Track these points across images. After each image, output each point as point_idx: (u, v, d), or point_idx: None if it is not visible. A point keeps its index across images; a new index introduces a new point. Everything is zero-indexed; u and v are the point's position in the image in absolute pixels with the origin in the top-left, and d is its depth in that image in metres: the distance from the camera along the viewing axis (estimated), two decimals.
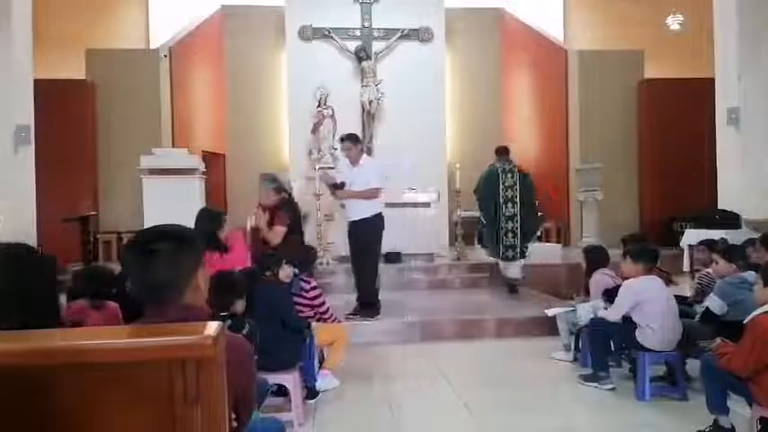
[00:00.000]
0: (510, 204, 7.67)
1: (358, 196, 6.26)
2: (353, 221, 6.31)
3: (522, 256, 7.73)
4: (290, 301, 4.38)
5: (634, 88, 11.59)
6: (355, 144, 6.40)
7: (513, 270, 7.77)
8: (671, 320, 4.37)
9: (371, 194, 6.20)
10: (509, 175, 7.74)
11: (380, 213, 6.27)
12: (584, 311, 4.93)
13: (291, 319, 4.18)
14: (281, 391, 4.14)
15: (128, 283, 1.77)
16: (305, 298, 4.68)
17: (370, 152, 11.25)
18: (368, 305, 6.32)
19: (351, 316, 6.20)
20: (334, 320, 4.93)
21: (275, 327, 3.96)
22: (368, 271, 6.35)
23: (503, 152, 8.03)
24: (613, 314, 4.48)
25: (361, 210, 6.23)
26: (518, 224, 7.66)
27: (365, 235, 6.25)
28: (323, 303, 4.79)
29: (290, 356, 4.04)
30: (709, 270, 4.90)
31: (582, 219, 10.77)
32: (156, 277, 1.69)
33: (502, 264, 7.82)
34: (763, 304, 3.31)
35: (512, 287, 7.83)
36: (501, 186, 7.69)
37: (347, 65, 11.42)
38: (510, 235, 7.68)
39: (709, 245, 5.22)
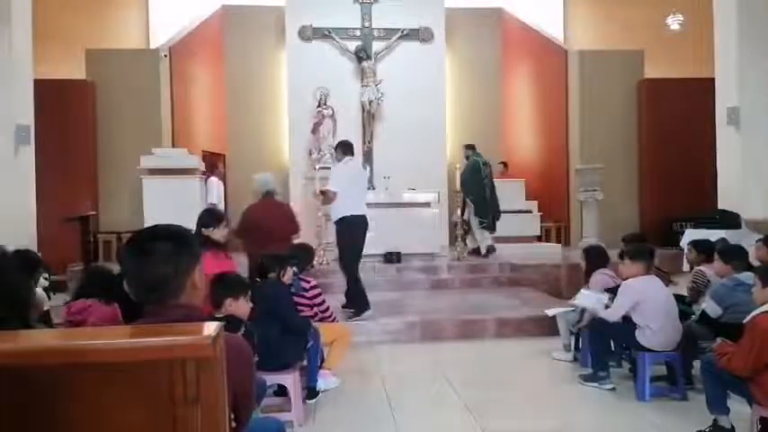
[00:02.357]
0: (489, 190, 9.67)
1: (323, 202, 7.11)
2: (334, 224, 6.65)
3: (494, 228, 9.72)
4: (290, 300, 4.38)
5: (634, 88, 11.59)
6: (335, 150, 7.02)
7: (488, 239, 9.64)
8: (671, 320, 4.37)
9: (328, 199, 6.59)
10: (485, 167, 9.75)
11: (350, 216, 6.36)
12: (588, 299, 4.86)
13: (292, 318, 4.18)
14: (282, 391, 4.15)
15: (125, 282, 1.78)
16: (305, 298, 4.68)
17: (370, 152, 11.30)
18: (354, 303, 6.47)
19: (350, 316, 6.25)
20: (334, 320, 4.93)
21: (276, 327, 3.96)
22: (346, 270, 6.57)
23: (474, 147, 10.01)
24: (613, 314, 4.48)
25: (334, 213, 6.57)
26: (491, 204, 9.70)
27: (338, 236, 6.55)
28: (323, 302, 4.79)
29: (290, 356, 4.04)
30: (702, 268, 4.91)
31: (582, 219, 10.76)
32: (153, 276, 1.69)
33: (483, 234, 9.63)
34: (763, 304, 3.31)
35: (490, 249, 9.57)
36: (483, 175, 9.63)
37: (347, 65, 11.42)
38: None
39: (695, 245, 5.25)
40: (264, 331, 3.68)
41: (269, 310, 3.96)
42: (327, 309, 4.82)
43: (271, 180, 6.20)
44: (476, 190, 9.54)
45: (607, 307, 4.60)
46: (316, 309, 4.73)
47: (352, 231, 6.38)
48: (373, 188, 10.71)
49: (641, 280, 4.43)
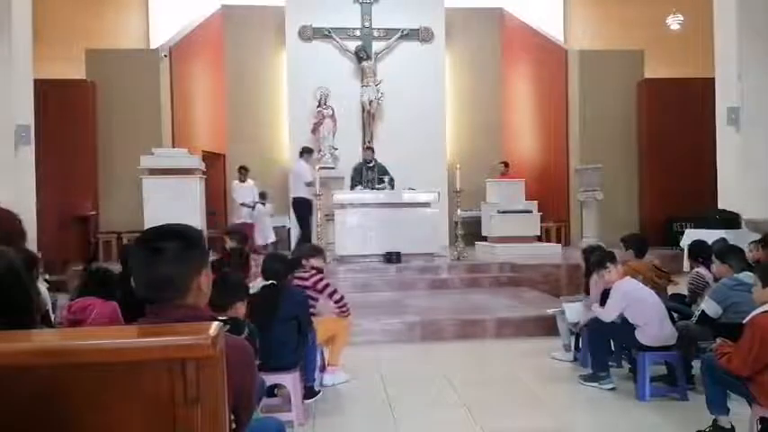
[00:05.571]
0: None
1: None
2: None
3: None
4: (308, 303, 4.38)
5: (634, 88, 11.58)
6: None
7: None
8: (664, 314, 4.42)
9: None
10: None
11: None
12: (573, 310, 4.99)
13: (307, 321, 4.19)
14: (272, 392, 4.14)
15: (132, 280, 1.77)
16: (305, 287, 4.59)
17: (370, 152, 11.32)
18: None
19: None
20: (343, 305, 4.76)
21: (282, 327, 3.95)
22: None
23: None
24: (607, 315, 4.52)
25: None
26: None
27: None
28: (327, 286, 4.67)
29: (292, 356, 4.04)
30: (699, 270, 4.92)
31: (582, 219, 10.76)
32: (161, 275, 1.69)
33: None
34: (763, 304, 3.31)
35: None
36: None
37: (347, 65, 11.43)
38: None
39: (691, 247, 5.27)
40: (275, 334, 3.70)
41: (288, 314, 3.95)
42: (335, 291, 4.68)
43: None
44: None
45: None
46: (319, 295, 4.63)
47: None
48: (373, 188, 10.71)
49: (625, 281, 4.53)
